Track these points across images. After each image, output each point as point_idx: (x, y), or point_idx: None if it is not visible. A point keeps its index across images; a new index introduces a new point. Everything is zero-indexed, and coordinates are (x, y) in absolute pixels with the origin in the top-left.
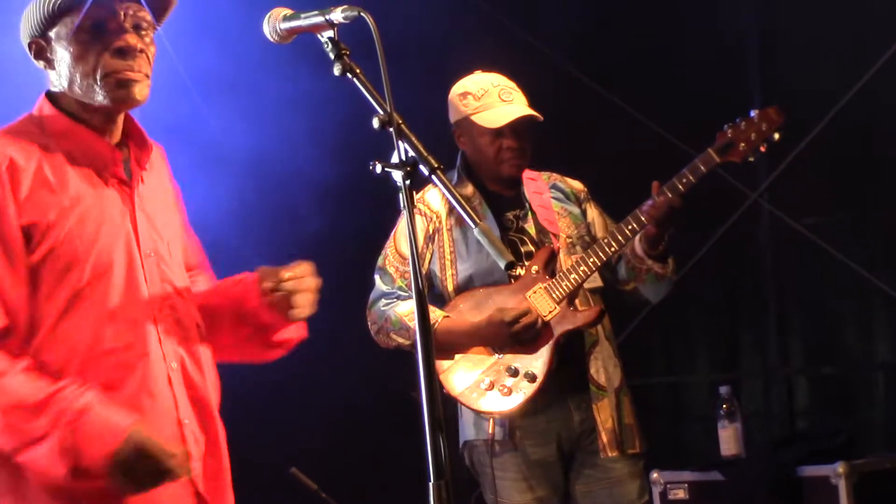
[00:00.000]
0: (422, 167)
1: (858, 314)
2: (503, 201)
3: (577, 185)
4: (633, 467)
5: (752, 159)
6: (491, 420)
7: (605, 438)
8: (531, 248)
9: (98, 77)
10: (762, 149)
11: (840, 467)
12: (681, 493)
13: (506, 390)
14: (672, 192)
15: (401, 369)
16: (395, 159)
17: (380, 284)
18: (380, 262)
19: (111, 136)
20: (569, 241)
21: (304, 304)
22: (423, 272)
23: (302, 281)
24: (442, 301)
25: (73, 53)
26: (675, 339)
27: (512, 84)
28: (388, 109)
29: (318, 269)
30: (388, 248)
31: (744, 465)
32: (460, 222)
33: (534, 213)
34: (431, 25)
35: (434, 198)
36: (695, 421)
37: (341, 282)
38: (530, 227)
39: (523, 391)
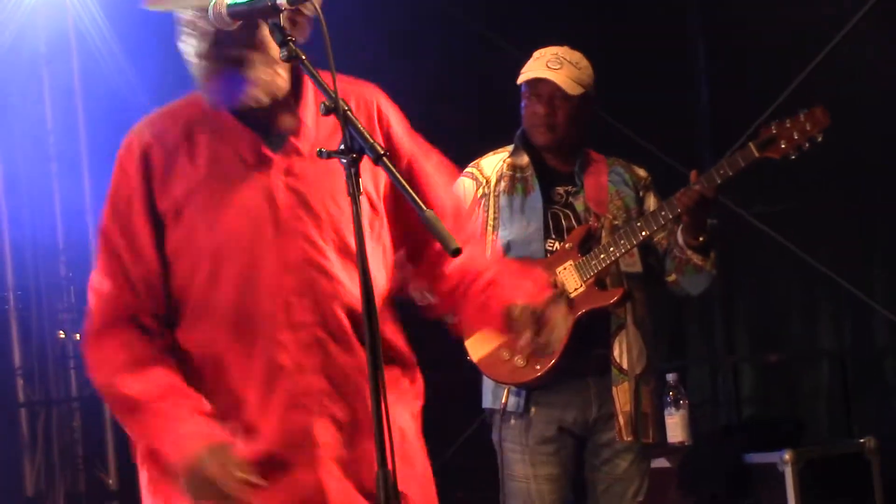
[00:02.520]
0: (367, 153)
1: (803, 303)
2: (556, 176)
3: (640, 172)
4: (638, 466)
5: (793, 157)
6: (506, 389)
7: (621, 421)
8: (574, 223)
9: None
10: (806, 147)
11: (786, 454)
12: None
13: (523, 361)
14: (708, 182)
15: None
16: (341, 147)
17: None
18: None
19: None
20: (614, 222)
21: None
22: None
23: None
24: None
25: None
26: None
27: (573, 58)
28: (334, 96)
29: None
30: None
31: (690, 453)
32: (508, 190)
33: (584, 192)
34: None
35: (488, 164)
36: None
37: None
38: (578, 205)
39: (539, 363)
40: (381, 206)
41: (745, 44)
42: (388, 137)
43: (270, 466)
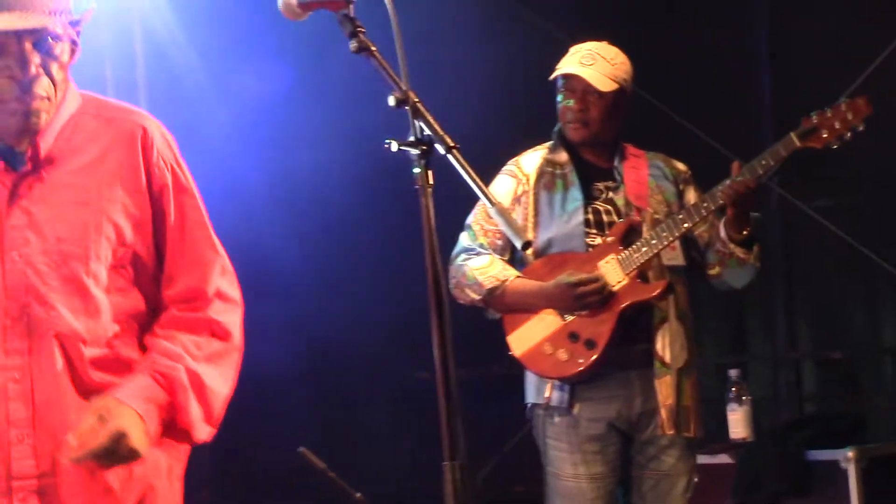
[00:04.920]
0: (437, 146)
1: (866, 298)
2: (595, 172)
3: (680, 166)
4: (684, 462)
5: (835, 147)
6: (549, 384)
7: (663, 415)
8: (615, 218)
9: None
10: (849, 137)
11: (850, 452)
12: None
13: (566, 355)
14: (750, 173)
15: (421, 354)
16: (410, 138)
17: (463, 239)
18: (469, 218)
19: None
20: (655, 216)
21: None
22: (506, 237)
23: None
24: (523, 263)
25: None
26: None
27: (608, 53)
28: (404, 88)
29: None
30: (478, 207)
31: (753, 449)
32: (548, 187)
33: (625, 186)
34: None
35: (528, 161)
36: (703, 404)
37: (363, 264)
38: (619, 199)
39: (583, 357)
40: (129, 235)
41: (811, 36)
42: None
43: None
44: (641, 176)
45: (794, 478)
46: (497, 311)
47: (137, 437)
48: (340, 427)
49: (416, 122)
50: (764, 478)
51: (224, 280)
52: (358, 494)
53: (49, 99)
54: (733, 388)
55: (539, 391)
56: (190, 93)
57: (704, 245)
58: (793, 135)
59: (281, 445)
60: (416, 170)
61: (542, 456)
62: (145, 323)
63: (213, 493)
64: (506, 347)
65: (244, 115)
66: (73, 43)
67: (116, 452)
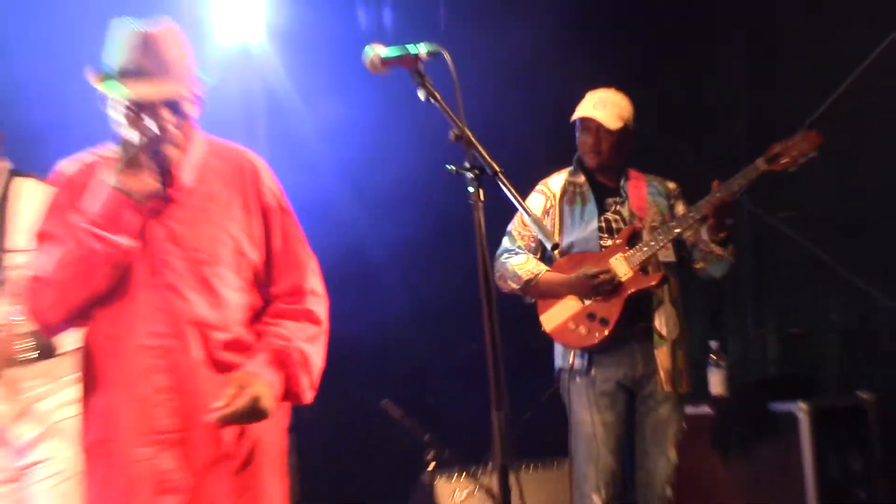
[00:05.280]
0: (486, 170)
1: (816, 287)
2: (606, 190)
3: (671, 185)
4: (676, 412)
5: (792, 170)
6: (573, 352)
7: (662, 376)
8: (622, 226)
9: None
10: (804, 162)
11: (803, 405)
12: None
13: (585, 331)
14: (727, 190)
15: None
16: (466, 164)
17: (505, 242)
18: (509, 227)
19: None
20: (653, 224)
21: None
22: (538, 240)
23: None
24: (551, 261)
25: None
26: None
27: (615, 99)
28: (461, 125)
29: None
30: (517, 217)
31: (728, 403)
32: (570, 202)
33: (629, 201)
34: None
35: (554, 182)
36: (691, 368)
37: (430, 262)
38: (625, 211)
39: (598, 332)
40: (247, 248)
41: (775, 79)
42: (260, 198)
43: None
44: (642, 193)
45: (759, 425)
46: (531, 297)
47: (268, 400)
48: (410, 386)
49: (469, 151)
50: (736, 425)
51: (315, 279)
52: (426, 436)
53: (179, 145)
54: (713, 356)
55: (565, 358)
56: (295, 127)
57: (691, 245)
58: (759, 160)
59: (370, 400)
60: (470, 189)
61: (567, 408)
62: (257, 314)
63: (314, 446)
64: (538, 325)
65: (335, 141)
66: (199, 99)
67: (253, 413)
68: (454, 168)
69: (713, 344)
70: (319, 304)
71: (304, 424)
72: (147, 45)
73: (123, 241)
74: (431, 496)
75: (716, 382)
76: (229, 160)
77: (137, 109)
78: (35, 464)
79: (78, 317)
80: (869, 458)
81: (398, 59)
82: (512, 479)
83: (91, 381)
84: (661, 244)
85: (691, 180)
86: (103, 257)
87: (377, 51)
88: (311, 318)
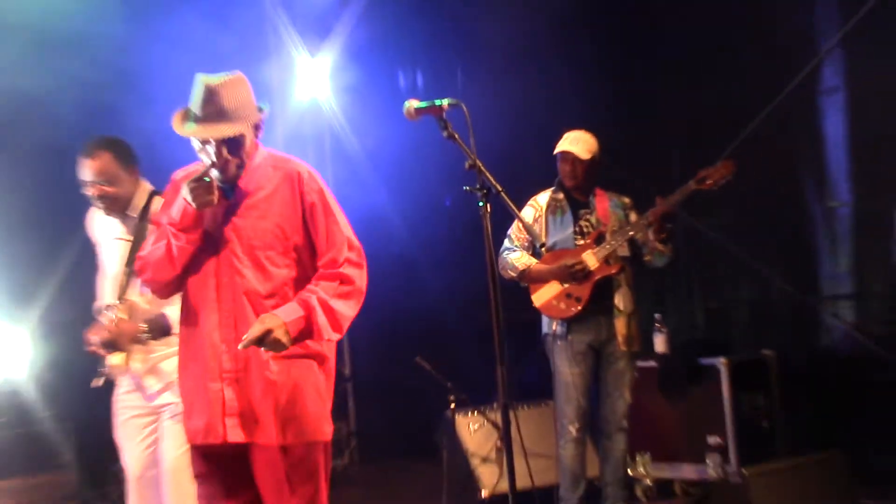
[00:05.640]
0: (492, 189)
1: (731, 272)
2: (579, 204)
3: (626, 199)
4: (630, 365)
5: (716, 189)
6: (555, 322)
7: (620, 339)
8: (591, 230)
9: None
10: (722, 183)
11: (723, 359)
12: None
13: (564, 306)
14: (667, 203)
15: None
16: (477, 185)
17: (506, 242)
18: (509, 230)
19: None
20: (613, 228)
21: None
22: (533, 240)
23: None
24: (539, 256)
25: None
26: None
27: (585, 137)
28: (473, 158)
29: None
30: (515, 223)
31: (668, 358)
32: (553, 212)
33: (596, 212)
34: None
35: (541, 198)
36: (641, 333)
37: (451, 256)
38: (593, 219)
39: (574, 308)
40: (291, 235)
41: (698, 113)
42: (303, 196)
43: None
44: (605, 205)
45: (691, 374)
46: (525, 282)
47: (279, 332)
48: (439, 347)
49: (479, 176)
50: (674, 374)
51: (351, 253)
52: (449, 384)
53: (239, 166)
54: (657, 324)
55: (549, 326)
56: (353, 158)
57: (641, 243)
58: (691, 181)
59: (406, 359)
60: (480, 203)
61: (551, 363)
62: (300, 282)
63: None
64: (530, 302)
65: (382, 168)
66: (257, 128)
67: (268, 341)
68: (469, 188)
69: (657, 315)
70: (354, 269)
71: (364, 374)
72: (211, 96)
73: (189, 236)
74: (453, 427)
75: (659, 343)
76: (282, 168)
77: (202, 144)
78: (162, 406)
79: (173, 287)
80: (770, 398)
81: (427, 109)
82: (511, 415)
83: (182, 335)
84: (620, 243)
85: (639, 195)
86: (177, 247)
87: (412, 103)
88: (342, 278)
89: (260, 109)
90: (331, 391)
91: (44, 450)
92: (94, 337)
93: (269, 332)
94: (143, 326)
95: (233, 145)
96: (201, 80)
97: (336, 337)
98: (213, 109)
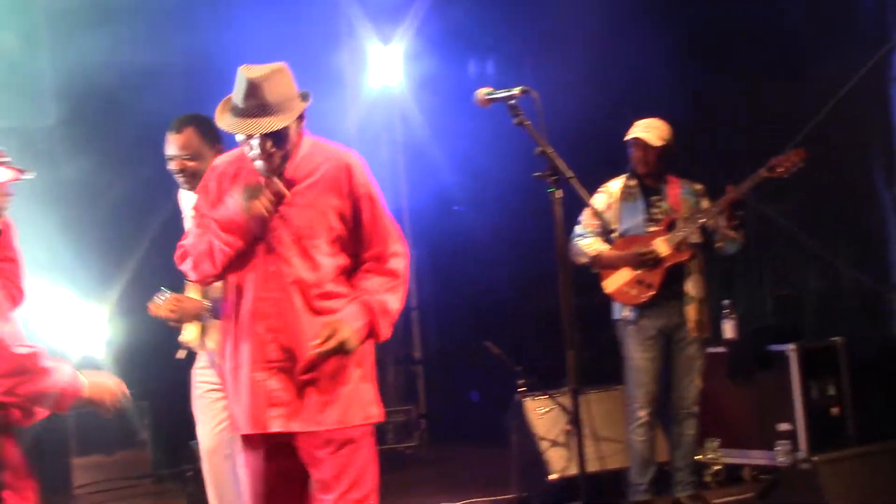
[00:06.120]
0: (562, 176)
1: (801, 259)
2: (651, 190)
3: (698, 186)
4: (700, 351)
5: (786, 177)
6: (627, 308)
7: (691, 325)
8: (663, 216)
9: None
10: (794, 170)
11: (792, 346)
12: None
13: (636, 292)
14: (738, 190)
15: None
16: (547, 171)
17: (577, 229)
18: (580, 217)
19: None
20: (685, 215)
21: None
22: (605, 227)
23: None
24: (611, 242)
25: None
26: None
27: (657, 124)
28: (544, 145)
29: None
30: (585, 210)
31: (737, 344)
32: (625, 199)
33: (668, 199)
34: None
35: (614, 184)
36: (711, 319)
37: (522, 240)
38: (665, 206)
39: (645, 294)
40: (337, 224)
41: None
42: (352, 187)
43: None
44: (677, 192)
45: (760, 361)
46: (596, 268)
47: (353, 342)
48: (507, 331)
49: (550, 162)
50: (743, 361)
51: (396, 245)
52: (518, 367)
53: (284, 158)
54: (726, 310)
55: (620, 312)
56: (424, 145)
57: (712, 230)
58: (762, 169)
59: (475, 342)
60: (550, 189)
61: (621, 347)
62: (349, 272)
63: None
64: (601, 288)
65: (452, 154)
66: (301, 117)
67: (340, 350)
68: (539, 174)
69: (726, 302)
70: (399, 262)
71: (433, 357)
72: (253, 90)
73: (233, 241)
74: (521, 411)
75: (729, 329)
76: (330, 158)
77: (246, 137)
78: None
79: (215, 279)
80: (840, 385)
81: (499, 98)
82: (580, 399)
83: (225, 324)
84: (691, 230)
85: (712, 182)
86: (219, 249)
87: (484, 91)
88: (391, 274)
89: (304, 97)
90: (374, 373)
91: (121, 428)
92: (161, 308)
93: (344, 343)
94: (207, 304)
95: (277, 138)
96: (244, 73)
97: (388, 335)
98: (256, 103)
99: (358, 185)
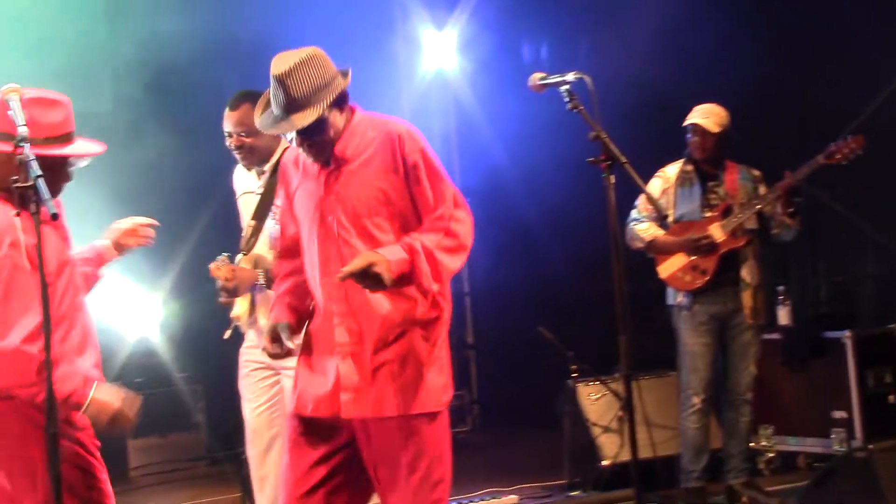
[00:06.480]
0: (616, 161)
1: (858, 247)
2: (708, 175)
3: (755, 172)
4: (756, 337)
5: (844, 163)
6: (681, 293)
7: (746, 311)
8: (719, 202)
9: None
10: (852, 158)
11: (848, 333)
12: None
13: (690, 278)
14: (795, 177)
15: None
16: (601, 157)
17: (632, 213)
18: (636, 202)
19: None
20: (741, 201)
21: None
22: (660, 212)
23: None
24: (666, 227)
25: None
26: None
27: (716, 110)
28: (598, 130)
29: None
30: (642, 195)
31: (791, 331)
32: (682, 184)
33: (725, 184)
34: None
35: (671, 169)
36: (766, 305)
37: (573, 225)
38: (721, 191)
39: (700, 280)
40: (396, 199)
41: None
42: (404, 157)
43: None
44: (734, 178)
45: (815, 348)
46: (651, 253)
47: (381, 268)
48: (560, 316)
49: (604, 147)
50: (798, 347)
51: (458, 211)
52: (570, 353)
53: (327, 143)
54: (782, 297)
55: (675, 298)
56: (476, 127)
57: (769, 216)
58: (819, 156)
59: (527, 328)
60: (604, 175)
61: (676, 332)
62: None
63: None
64: (655, 274)
65: (505, 138)
66: (341, 99)
67: (369, 276)
68: (593, 159)
69: (781, 289)
70: (460, 224)
71: (486, 342)
72: (279, 87)
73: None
74: (574, 397)
75: (784, 316)
76: (380, 131)
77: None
78: (284, 368)
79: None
80: None
81: (553, 83)
82: (633, 385)
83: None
84: (747, 216)
85: (769, 169)
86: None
87: (538, 76)
88: (448, 232)
89: (344, 75)
90: (447, 356)
91: (176, 410)
92: (222, 270)
93: (371, 265)
94: (261, 274)
95: (311, 131)
96: (272, 68)
97: (435, 287)
98: (284, 101)
99: (410, 153)
